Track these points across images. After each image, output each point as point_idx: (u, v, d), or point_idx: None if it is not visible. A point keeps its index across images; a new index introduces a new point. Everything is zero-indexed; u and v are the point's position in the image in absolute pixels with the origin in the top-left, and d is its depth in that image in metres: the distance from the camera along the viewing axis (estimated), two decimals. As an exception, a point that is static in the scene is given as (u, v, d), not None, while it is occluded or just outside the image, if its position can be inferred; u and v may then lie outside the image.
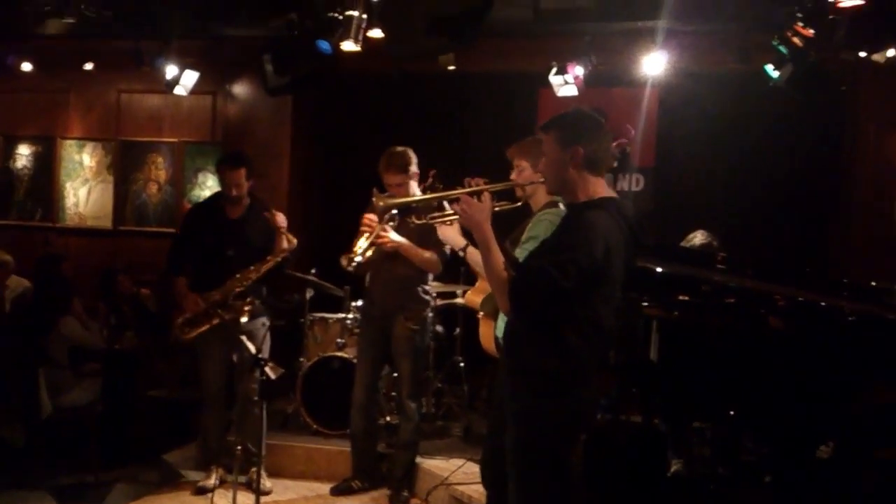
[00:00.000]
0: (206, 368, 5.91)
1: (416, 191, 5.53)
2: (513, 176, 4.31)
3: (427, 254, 5.46)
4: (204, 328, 5.75)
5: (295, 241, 5.77)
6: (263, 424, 5.05)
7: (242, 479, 5.63)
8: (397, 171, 5.49)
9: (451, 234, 4.31)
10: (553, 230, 3.82)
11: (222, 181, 5.90)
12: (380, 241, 5.25)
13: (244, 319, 5.57)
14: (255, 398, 5.66)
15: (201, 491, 5.80)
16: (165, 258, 6.13)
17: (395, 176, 5.49)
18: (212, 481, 5.82)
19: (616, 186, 7.72)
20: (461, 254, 4.46)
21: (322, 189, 8.99)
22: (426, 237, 5.43)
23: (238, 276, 5.70)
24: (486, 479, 4.36)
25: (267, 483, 5.82)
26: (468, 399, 7.20)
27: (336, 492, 5.86)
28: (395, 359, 5.76)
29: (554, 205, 4.08)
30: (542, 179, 3.72)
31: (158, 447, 6.39)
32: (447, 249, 5.47)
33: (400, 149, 5.58)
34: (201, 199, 8.79)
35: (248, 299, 5.63)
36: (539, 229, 3.94)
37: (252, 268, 5.70)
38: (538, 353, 3.35)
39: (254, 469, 5.67)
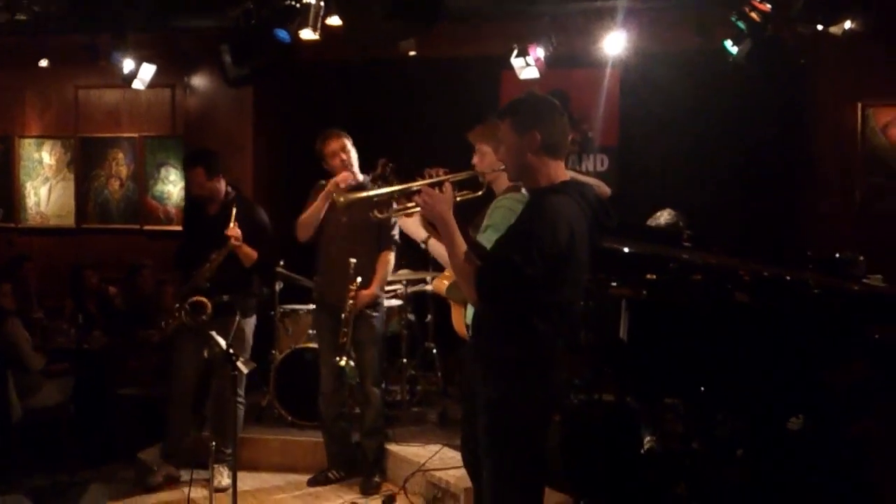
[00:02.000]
0: (178, 364, 5.91)
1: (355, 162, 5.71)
2: (474, 160, 4.28)
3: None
4: (175, 323, 5.77)
5: (255, 254, 5.80)
6: (237, 423, 5.11)
7: (205, 473, 5.62)
8: (337, 137, 5.70)
9: (412, 226, 4.27)
10: (510, 216, 3.83)
11: (185, 181, 5.93)
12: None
13: (203, 318, 5.58)
14: (235, 396, 5.68)
15: (147, 488, 5.82)
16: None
17: (336, 141, 5.69)
18: (158, 479, 5.86)
19: (581, 168, 7.74)
20: (423, 245, 4.44)
21: (287, 179, 8.93)
22: (385, 231, 5.60)
23: (197, 271, 5.72)
24: (469, 464, 4.36)
25: (225, 480, 5.76)
26: (442, 385, 7.23)
27: (313, 482, 5.88)
28: (356, 346, 5.76)
29: (515, 189, 4.06)
30: (498, 168, 3.72)
31: (133, 445, 6.34)
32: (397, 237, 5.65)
33: None
34: (164, 194, 8.78)
35: (196, 299, 5.63)
36: (496, 217, 3.92)
37: (207, 263, 5.70)
38: (506, 341, 3.36)
39: (215, 465, 5.68)
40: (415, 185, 3.69)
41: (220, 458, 5.80)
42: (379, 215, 4.05)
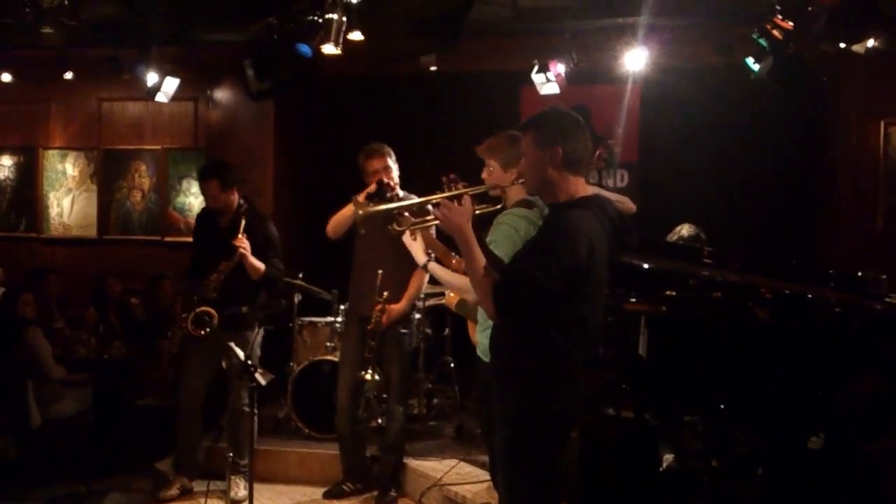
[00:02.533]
0: (186, 376, 5.89)
1: (397, 180, 5.63)
2: (483, 174, 4.28)
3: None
4: (182, 333, 5.78)
5: (262, 267, 5.78)
6: (253, 435, 5.11)
7: (221, 485, 5.64)
8: (381, 156, 5.61)
9: (414, 248, 4.24)
10: (511, 233, 3.84)
11: (202, 192, 5.96)
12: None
13: (202, 332, 5.62)
14: (245, 408, 5.69)
15: (161, 501, 5.80)
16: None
17: (379, 160, 5.60)
18: (172, 491, 5.84)
19: (602, 184, 7.73)
20: (423, 269, 4.43)
21: (307, 192, 8.99)
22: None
23: (204, 282, 5.72)
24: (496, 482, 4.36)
25: (241, 491, 5.72)
26: (459, 399, 7.22)
27: (328, 496, 5.87)
28: (384, 363, 5.76)
29: (523, 204, 4.03)
30: (516, 181, 3.71)
31: (150, 455, 6.36)
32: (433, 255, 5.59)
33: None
34: (186, 206, 8.84)
35: (203, 309, 5.64)
36: (498, 233, 3.89)
37: (214, 274, 5.71)
38: (525, 355, 3.34)
39: (232, 477, 5.68)
40: (434, 198, 3.68)
41: (236, 470, 5.80)
42: (398, 228, 4.04)
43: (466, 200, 3.47)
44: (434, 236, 5.00)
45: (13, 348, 6.31)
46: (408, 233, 4.18)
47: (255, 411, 5.83)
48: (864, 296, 4.64)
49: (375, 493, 5.83)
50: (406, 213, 4.12)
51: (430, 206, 3.98)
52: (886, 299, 4.64)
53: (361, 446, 5.96)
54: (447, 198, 3.54)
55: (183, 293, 6.27)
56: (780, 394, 4.39)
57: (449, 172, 3.89)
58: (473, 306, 4.37)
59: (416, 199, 3.87)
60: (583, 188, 3.45)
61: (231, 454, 5.64)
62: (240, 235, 5.68)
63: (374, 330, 5.49)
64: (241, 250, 5.65)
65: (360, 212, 4.06)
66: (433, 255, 4.48)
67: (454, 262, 4.30)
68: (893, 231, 7.36)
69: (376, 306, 5.46)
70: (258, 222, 5.90)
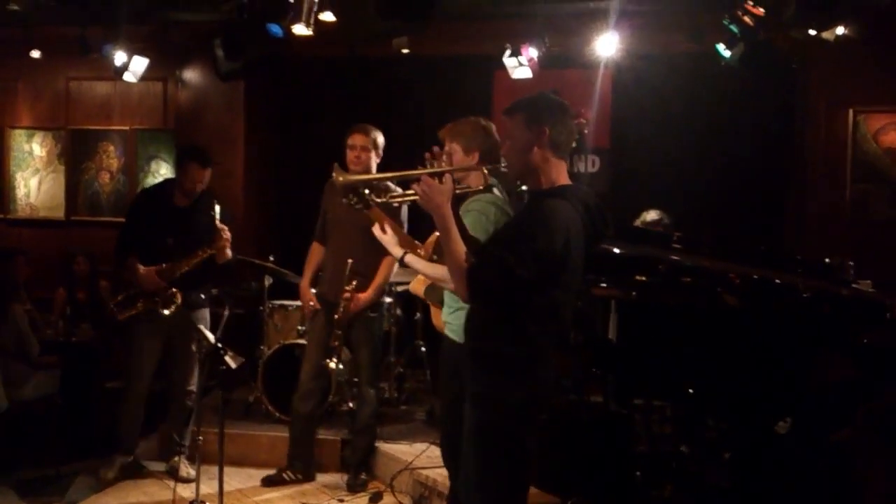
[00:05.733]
0: (137, 361, 5.83)
1: (374, 167, 5.62)
2: (443, 158, 4.25)
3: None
4: (132, 312, 5.70)
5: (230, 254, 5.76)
6: (192, 415, 5.33)
7: (164, 467, 5.58)
8: (363, 134, 5.60)
9: (386, 240, 4.15)
10: (482, 220, 3.88)
11: (186, 173, 5.78)
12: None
13: (166, 312, 5.56)
14: (189, 388, 5.72)
15: (102, 483, 5.78)
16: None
17: (359, 136, 5.59)
18: (112, 474, 5.84)
19: (573, 168, 7.76)
20: (398, 264, 4.36)
21: (277, 175, 8.94)
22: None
23: (166, 266, 5.67)
24: (447, 459, 4.41)
25: (191, 471, 5.69)
26: (430, 383, 7.23)
27: (267, 482, 5.84)
28: (353, 347, 5.78)
29: (488, 189, 4.01)
30: (474, 164, 3.69)
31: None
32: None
33: None
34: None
35: (173, 290, 5.59)
36: (468, 220, 3.84)
37: (182, 261, 5.67)
38: (496, 339, 3.35)
39: (175, 458, 5.70)
40: (415, 172, 3.60)
41: (173, 451, 5.77)
42: (377, 199, 3.99)
43: (447, 179, 3.43)
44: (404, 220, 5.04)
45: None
46: (377, 226, 4.12)
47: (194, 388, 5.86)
48: (832, 282, 4.69)
49: (316, 483, 5.86)
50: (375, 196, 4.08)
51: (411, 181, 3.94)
52: (853, 285, 4.70)
53: (312, 434, 5.95)
54: (428, 174, 3.45)
55: (113, 274, 6.18)
56: (748, 379, 4.44)
57: (432, 147, 3.82)
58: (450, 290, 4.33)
59: (396, 173, 3.77)
60: (564, 176, 3.45)
61: (175, 435, 5.69)
62: (218, 224, 5.65)
63: (340, 319, 5.48)
64: (226, 240, 5.66)
65: (340, 178, 4.01)
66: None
67: (419, 251, 4.26)
68: (861, 218, 7.43)
69: (343, 294, 5.45)
70: (212, 203, 5.83)
